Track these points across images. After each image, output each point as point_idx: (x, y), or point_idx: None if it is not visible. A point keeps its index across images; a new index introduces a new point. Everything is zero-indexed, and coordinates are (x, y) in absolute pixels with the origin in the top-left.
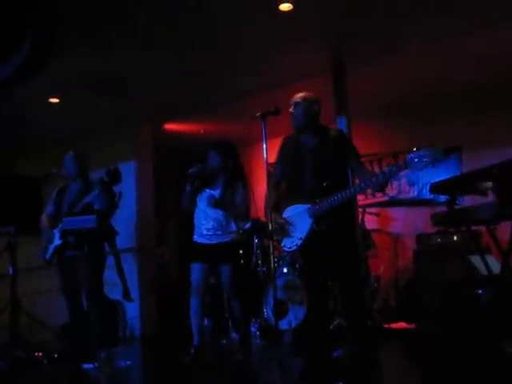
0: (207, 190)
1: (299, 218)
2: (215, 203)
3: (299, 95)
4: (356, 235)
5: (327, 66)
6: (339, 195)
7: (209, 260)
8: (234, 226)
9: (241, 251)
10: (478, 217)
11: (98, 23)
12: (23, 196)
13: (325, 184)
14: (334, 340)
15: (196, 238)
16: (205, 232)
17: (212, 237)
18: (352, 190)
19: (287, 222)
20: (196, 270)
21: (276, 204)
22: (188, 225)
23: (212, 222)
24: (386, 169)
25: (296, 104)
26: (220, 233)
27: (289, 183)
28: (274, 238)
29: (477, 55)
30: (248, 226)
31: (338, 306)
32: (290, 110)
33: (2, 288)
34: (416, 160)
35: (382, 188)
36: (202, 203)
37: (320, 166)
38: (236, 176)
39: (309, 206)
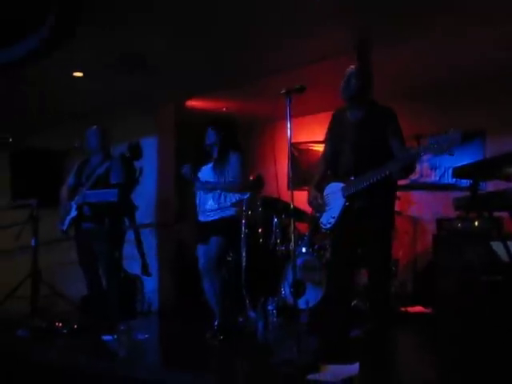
0: (202, 168)
1: (334, 196)
2: (202, 187)
3: (353, 66)
4: (393, 220)
5: (353, 46)
6: (370, 176)
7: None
8: (232, 200)
9: (259, 230)
10: (501, 202)
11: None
12: (45, 169)
13: (362, 161)
14: (351, 320)
15: (199, 217)
16: (204, 210)
17: (211, 213)
18: (378, 173)
19: (323, 199)
20: (201, 252)
21: (318, 181)
22: None
23: (210, 200)
24: (404, 154)
25: (351, 74)
26: (217, 207)
27: (335, 160)
28: (316, 214)
29: (505, 40)
30: (246, 197)
31: (357, 287)
32: (345, 78)
33: (23, 259)
34: (435, 146)
35: (404, 174)
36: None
37: (361, 143)
38: (227, 148)
39: (343, 184)
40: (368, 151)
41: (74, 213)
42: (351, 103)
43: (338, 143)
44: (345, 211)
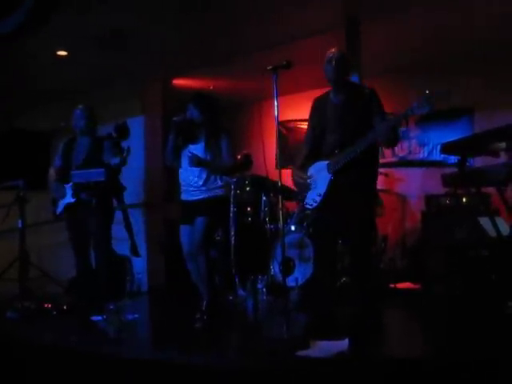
0: (190, 146)
1: (319, 174)
2: (197, 163)
3: (337, 49)
4: (375, 193)
5: (340, 22)
6: (353, 148)
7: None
8: (219, 181)
9: (248, 208)
10: (488, 178)
11: None
12: (31, 150)
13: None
14: (340, 297)
15: (182, 196)
16: (189, 188)
17: (196, 192)
18: (363, 142)
19: (308, 178)
20: (184, 233)
21: (302, 163)
22: None
23: (196, 178)
24: (390, 117)
25: (332, 59)
26: (204, 188)
27: (318, 142)
28: (299, 197)
29: (496, 13)
30: (233, 180)
31: (345, 264)
32: (333, 63)
33: (11, 242)
34: (420, 105)
35: (390, 141)
36: (184, 160)
37: (345, 122)
38: (217, 128)
39: (328, 161)
40: (352, 129)
41: (70, 199)
42: (334, 86)
43: (321, 126)
44: (331, 187)
